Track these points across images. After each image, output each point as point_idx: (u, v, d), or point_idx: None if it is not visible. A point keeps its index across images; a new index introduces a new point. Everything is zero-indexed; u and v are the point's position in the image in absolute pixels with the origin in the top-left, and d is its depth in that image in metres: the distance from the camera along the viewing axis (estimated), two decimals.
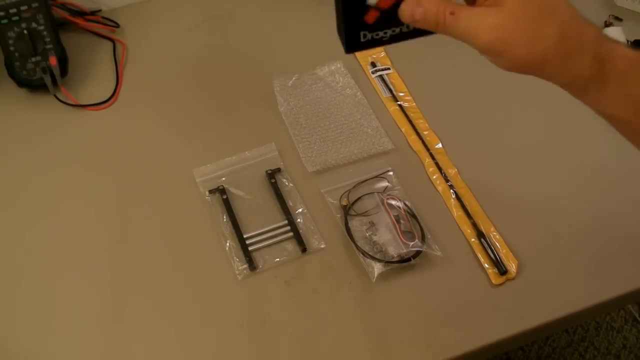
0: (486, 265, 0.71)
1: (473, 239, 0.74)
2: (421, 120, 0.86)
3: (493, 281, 0.70)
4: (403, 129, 0.85)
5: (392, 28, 0.55)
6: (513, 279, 0.70)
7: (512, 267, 0.71)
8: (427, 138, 0.84)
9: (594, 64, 0.42)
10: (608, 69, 0.42)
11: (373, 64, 0.93)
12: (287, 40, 0.98)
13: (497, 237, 0.74)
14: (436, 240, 0.74)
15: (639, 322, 1.51)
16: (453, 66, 0.95)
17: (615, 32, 0.91)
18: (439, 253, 0.72)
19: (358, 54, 0.94)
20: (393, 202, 0.76)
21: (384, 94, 0.89)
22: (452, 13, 0.42)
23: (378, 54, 0.94)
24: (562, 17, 0.41)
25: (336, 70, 0.92)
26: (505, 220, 0.76)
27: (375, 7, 0.50)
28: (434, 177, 0.80)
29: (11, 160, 0.82)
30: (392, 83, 0.90)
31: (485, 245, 0.72)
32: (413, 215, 0.75)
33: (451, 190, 0.78)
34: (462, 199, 0.77)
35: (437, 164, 0.81)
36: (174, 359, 0.65)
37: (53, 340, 0.66)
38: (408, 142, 0.84)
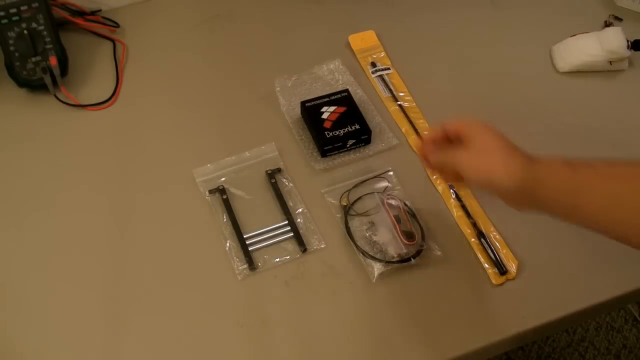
0: (486, 265, 0.71)
1: (473, 239, 0.74)
2: (421, 120, 0.86)
3: (493, 281, 0.70)
4: (403, 129, 0.85)
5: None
6: (513, 279, 0.70)
7: (512, 267, 0.71)
8: None
9: (525, 160, 0.58)
10: (537, 163, 0.58)
11: (373, 64, 0.93)
12: (287, 40, 0.98)
13: (497, 237, 0.74)
14: (436, 240, 0.74)
15: (639, 322, 1.51)
16: (453, 66, 0.95)
17: (615, 32, 0.91)
18: (439, 253, 0.72)
19: (358, 55, 0.94)
20: (393, 202, 0.76)
21: (384, 94, 0.89)
22: (453, 155, 0.62)
23: (378, 54, 0.94)
24: (501, 146, 0.59)
25: (335, 69, 0.92)
26: (505, 220, 0.76)
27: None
28: (434, 177, 0.80)
29: (11, 160, 0.82)
30: (392, 83, 0.90)
31: (485, 245, 0.72)
32: (413, 215, 0.75)
33: (451, 190, 0.78)
34: (462, 199, 0.77)
35: None
36: (174, 359, 0.65)
37: (53, 340, 0.66)
38: (408, 142, 0.84)
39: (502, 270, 0.70)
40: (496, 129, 0.61)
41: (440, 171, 0.67)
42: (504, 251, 0.72)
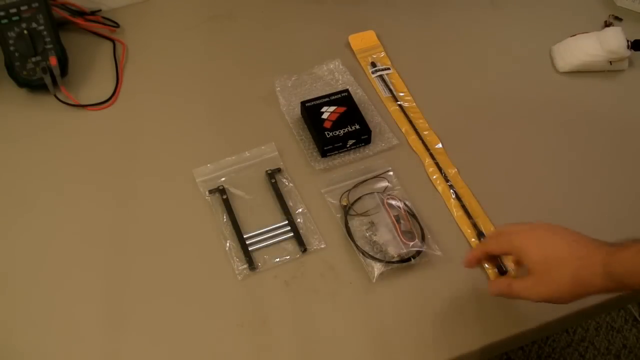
0: (486, 265, 0.71)
1: (473, 239, 0.74)
2: (421, 120, 0.86)
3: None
4: (403, 129, 0.85)
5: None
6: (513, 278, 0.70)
7: (511, 266, 0.71)
8: (427, 138, 0.84)
9: (606, 282, 0.54)
10: (616, 271, 0.53)
11: (373, 64, 0.93)
12: (287, 40, 0.98)
13: None
14: (436, 240, 0.74)
15: (639, 322, 1.51)
16: (453, 66, 0.95)
17: (615, 32, 0.91)
18: (439, 253, 0.72)
19: (358, 55, 0.94)
20: (393, 202, 0.76)
21: (384, 94, 0.89)
22: (509, 285, 0.61)
23: (378, 54, 0.94)
24: (570, 263, 0.56)
25: (335, 69, 0.92)
26: (505, 221, 0.76)
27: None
28: (434, 177, 0.80)
29: (11, 159, 0.82)
30: (392, 83, 0.90)
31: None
32: (413, 215, 0.75)
33: (451, 190, 0.78)
34: (462, 199, 0.77)
35: (437, 164, 0.81)
36: (174, 359, 0.65)
37: (53, 340, 0.66)
38: (408, 142, 0.84)
39: (502, 270, 0.70)
40: (548, 230, 0.59)
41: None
42: None
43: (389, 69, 0.92)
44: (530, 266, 0.58)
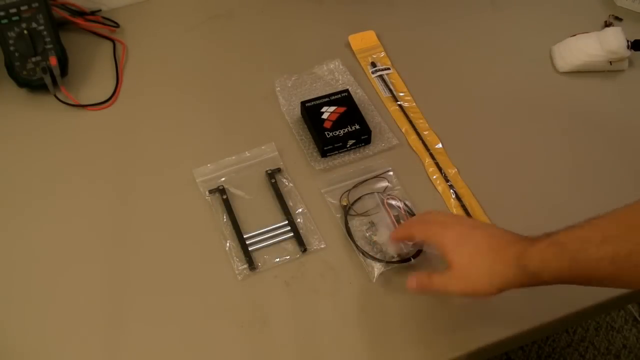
0: None
1: None
2: (421, 120, 0.86)
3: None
4: (403, 129, 0.85)
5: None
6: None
7: None
8: (427, 138, 0.84)
9: (518, 270, 0.55)
10: (530, 267, 0.55)
11: (373, 64, 0.93)
12: (287, 40, 0.98)
13: None
14: None
15: (639, 322, 1.51)
16: (453, 66, 0.95)
17: (615, 32, 0.91)
18: (439, 253, 0.72)
19: (357, 54, 0.94)
20: (393, 202, 0.76)
21: (384, 94, 0.89)
22: (429, 277, 0.60)
23: (378, 54, 0.94)
24: (487, 257, 0.57)
25: (335, 69, 0.92)
26: (505, 221, 0.76)
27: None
28: (434, 177, 0.80)
29: (11, 160, 0.82)
30: (392, 83, 0.90)
31: None
32: (413, 215, 0.75)
33: (451, 190, 0.78)
34: (462, 199, 0.77)
35: (437, 164, 0.81)
36: (173, 359, 0.65)
37: (53, 341, 0.66)
38: (408, 142, 0.84)
39: None
40: (469, 225, 0.60)
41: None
42: None
43: (389, 69, 0.92)
44: (449, 259, 0.59)
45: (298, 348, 0.66)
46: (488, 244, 0.58)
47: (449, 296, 0.61)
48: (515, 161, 0.83)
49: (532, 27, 1.01)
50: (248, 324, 0.67)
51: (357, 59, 0.94)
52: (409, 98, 0.89)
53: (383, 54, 0.94)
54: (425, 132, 0.85)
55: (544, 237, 0.55)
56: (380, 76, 0.91)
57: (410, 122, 0.86)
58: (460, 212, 0.76)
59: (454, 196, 0.78)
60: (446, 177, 0.80)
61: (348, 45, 0.96)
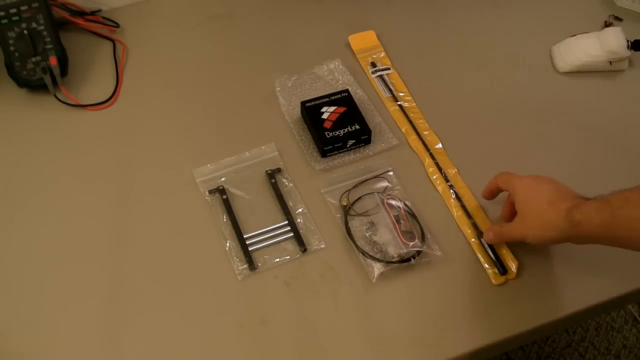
0: (486, 266, 0.71)
1: (473, 239, 0.74)
2: (421, 120, 0.86)
3: (493, 281, 0.70)
4: (403, 129, 0.85)
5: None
6: (513, 278, 0.70)
7: (512, 267, 0.71)
8: (427, 138, 0.84)
9: (567, 218, 0.62)
10: (576, 216, 0.61)
11: (373, 64, 0.93)
12: (287, 40, 0.98)
13: None
14: (436, 240, 0.74)
15: (639, 322, 1.51)
16: (453, 67, 0.95)
17: (615, 32, 0.91)
18: (439, 253, 0.72)
19: (357, 55, 0.94)
20: (393, 202, 0.76)
21: (384, 94, 0.89)
22: (501, 226, 0.71)
23: (378, 54, 0.94)
24: (544, 206, 0.64)
25: (335, 69, 0.92)
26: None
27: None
28: (434, 177, 0.80)
29: (10, 159, 0.82)
30: (392, 83, 0.90)
31: (486, 246, 0.72)
32: (413, 215, 0.75)
33: (451, 190, 0.78)
34: (462, 199, 0.77)
35: (437, 164, 0.81)
36: (174, 359, 0.65)
37: (53, 341, 0.66)
38: (408, 142, 0.84)
39: (502, 270, 0.70)
40: (538, 179, 0.68)
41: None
42: (504, 251, 0.72)
43: (388, 69, 0.92)
44: (517, 207, 0.68)
45: (298, 348, 0.66)
46: (549, 197, 0.64)
47: (516, 241, 0.69)
48: (515, 161, 0.83)
49: (532, 27, 1.01)
50: (248, 324, 0.67)
51: (357, 59, 0.94)
52: (408, 98, 0.89)
53: (383, 54, 0.94)
54: (425, 132, 0.85)
55: (599, 197, 0.62)
56: (380, 76, 0.91)
57: (410, 122, 0.86)
58: (461, 212, 0.76)
59: (454, 196, 0.78)
60: (446, 177, 0.80)
61: (348, 45, 0.96)
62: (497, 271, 0.70)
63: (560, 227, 0.62)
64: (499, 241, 0.72)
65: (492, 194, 0.74)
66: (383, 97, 0.89)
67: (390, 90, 0.89)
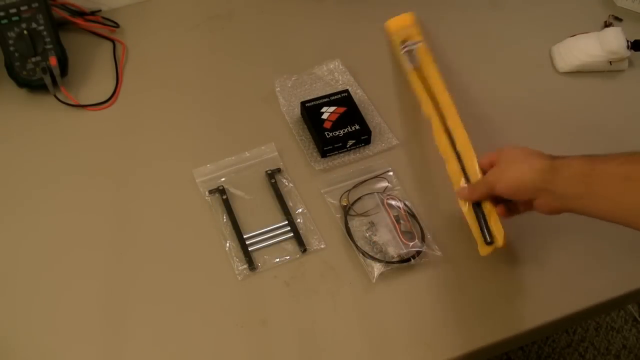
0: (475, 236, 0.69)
1: (466, 207, 0.71)
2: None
3: (480, 252, 0.69)
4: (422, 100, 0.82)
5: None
6: (500, 248, 0.68)
7: (499, 238, 0.68)
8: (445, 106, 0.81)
9: (549, 161, 0.63)
10: (558, 161, 0.62)
11: (403, 42, 0.91)
12: (287, 40, 0.98)
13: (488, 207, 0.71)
14: (436, 240, 0.74)
15: (639, 322, 1.51)
16: (453, 66, 0.95)
17: (615, 32, 0.91)
18: (439, 253, 0.72)
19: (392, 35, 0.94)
20: (393, 202, 0.76)
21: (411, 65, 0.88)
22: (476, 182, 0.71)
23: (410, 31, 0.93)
24: (525, 153, 0.65)
25: (335, 69, 0.92)
26: (506, 222, 0.76)
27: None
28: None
29: (10, 160, 0.82)
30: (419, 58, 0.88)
31: (480, 215, 0.70)
32: (413, 216, 0.75)
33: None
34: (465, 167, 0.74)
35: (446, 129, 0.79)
36: (173, 359, 0.65)
37: (53, 341, 0.66)
38: (408, 142, 0.84)
39: (487, 240, 0.68)
40: (521, 145, 0.67)
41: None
42: (494, 222, 0.69)
43: (419, 42, 0.90)
44: (497, 160, 0.68)
45: (298, 348, 0.66)
46: (533, 152, 0.65)
47: (487, 192, 0.68)
48: None
49: (532, 27, 1.01)
50: (248, 324, 0.67)
51: (391, 40, 0.94)
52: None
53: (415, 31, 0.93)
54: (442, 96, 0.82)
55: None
56: (409, 50, 0.89)
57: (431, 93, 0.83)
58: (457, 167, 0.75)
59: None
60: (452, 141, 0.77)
61: (348, 45, 0.96)
62: (487, 238, 0.69)
63: (538, 167, 0.62)
64: (471, 196, 0.70)
65: (486, 166, 0.72)
66: (408, 70, 0.88)
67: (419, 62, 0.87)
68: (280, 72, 0.91)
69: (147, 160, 0.82)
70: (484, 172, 0.71)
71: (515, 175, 0.65)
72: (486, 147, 0.84)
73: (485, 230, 0.70)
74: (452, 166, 0.75)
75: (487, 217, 0.70)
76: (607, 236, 0.75)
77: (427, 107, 0.82)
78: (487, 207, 0.70)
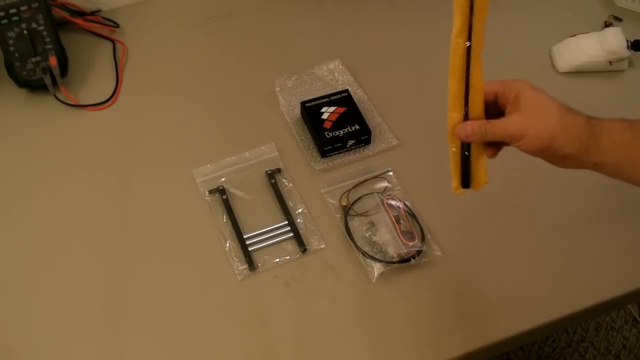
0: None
1: (454, 148, 0.62)
2: None
3: (453, 189, 0.62)
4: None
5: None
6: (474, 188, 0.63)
7: (480, 184, 0.62)
8: None
9: (587, 126, 0.56)
10: (597, 127, 0.57)
11: None
12: (287, 40, 0.98)
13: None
14: (436, 240, 0.74)
15: (639, 322, 1.51)
16: None
17: (615, 32, 0.91)
18: (439, 253, 0.72)
19: None
20: (393, 202, 0.76)
21: None
22: (488, 122, 0.59)
23: None
24: (558, 109, 0.58)
25: (335, 69, 0.92)
26: (504, 218, 0.76)
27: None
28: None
29: (10, 159, 0.82)
30: None
31: (465, 155, 0.62)
32: (413, 216, 0.75)
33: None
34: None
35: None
36: (173, 359, 0.65)
37: (53, 341, 0.66)
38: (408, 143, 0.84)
39: (465, 184, 0.62)
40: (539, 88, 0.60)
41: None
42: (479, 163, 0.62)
43: None
44: (520, 103, 0.59)
45: (298, 348, 0.66)
46: (562, 105, 0.58)
47: (501, 140, 0.59)
48: (514, 161, 0.82)
49: (532, 27, 1.01)
50: (248, 324, 0.67)
51: None
52: None
53: None
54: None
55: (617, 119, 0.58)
56: None
57: None
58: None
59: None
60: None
61: (348, 45, 0.96)
62: (468, 183, 0.62)
63: (575, 133, 0.55)
64: (478, 138, 0.60)
65: (490, 96, 0.63)
66: None
67: None
68: (280, 72, 0.91)
69: (147, 160, 0.82)
70: (486, 104, 0.61)
71: (545, 136, 0.56)
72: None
73: (469, 175, 0.62)
74: (456, 87, 0.64)
75: (474, 160, 0.62)
76: (607, 236, 0.75)
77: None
78: (478, 149, 0.62)
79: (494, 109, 0.62)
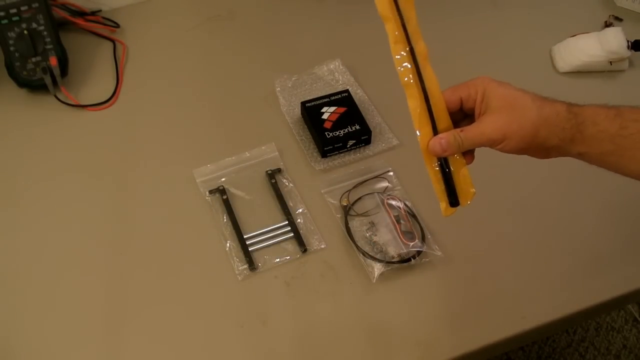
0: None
1: (435, 165, 0.59)
2: None
3: (443, 213, 0.59)
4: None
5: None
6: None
7: (467, 197, 0.58)
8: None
9: (569, 115, 0.53)
10: (581, 116, 0.53)
11: None
12: (287, 40, 0.98)
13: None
14: (436, 240, 0.74)
15: (639, 322, 1.51)
16: (452, 67, 0.95)
17: (615, 32, 0.91)
18: (439, 253, 0.72)
19: None
20: (393, 202, 0.76)
21: None
22: (461, 131, 0.56)
23: None
24: (534, 103, 0.54)
25: (335, 69, 0.92)
26: (502, 218, 0.76)
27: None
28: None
29: (10, 159, 0.82)
30: None
31: (446, 171, 0.58)
32: (413, 216, 0.75)
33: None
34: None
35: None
36: (174, 358, 0.65)
37: (54, 341, 0.66)
38: (408, 142, 0.84)
39: (444, 169, 0.58)
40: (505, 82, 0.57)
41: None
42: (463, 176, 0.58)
43: None
44: (492, 103, 0.55)
45: (298, 348, 0.66)
46: (536, 97, 0.55)
47: (480, 146, 0.56)
48: (513, 161, 0.82)
49: (532, 27, 1.01)
50: (248, 324, 0.67)
51: None
52: None
53: None
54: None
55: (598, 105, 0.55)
56: None
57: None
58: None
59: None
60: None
61: (348, 45, 0.96)
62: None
63: (557, 123, 0.52)
64: (455, 149, 0.56)
65: (455, 104, 0.59)
66: None
67: None
68: (281, 72, 0.91)
69: (148, 160, 0.82)
70: (452, 113, 0.58)
71: (527, 133, 0.52)
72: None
73: (455, 191, 0.58)
74: (416, 103, 0.59)
75: (455, 173, 0.58)
76: (607, 236, 0.75)
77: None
78: (457, 161, 0.58)
79: (460, 115, 0.59)
